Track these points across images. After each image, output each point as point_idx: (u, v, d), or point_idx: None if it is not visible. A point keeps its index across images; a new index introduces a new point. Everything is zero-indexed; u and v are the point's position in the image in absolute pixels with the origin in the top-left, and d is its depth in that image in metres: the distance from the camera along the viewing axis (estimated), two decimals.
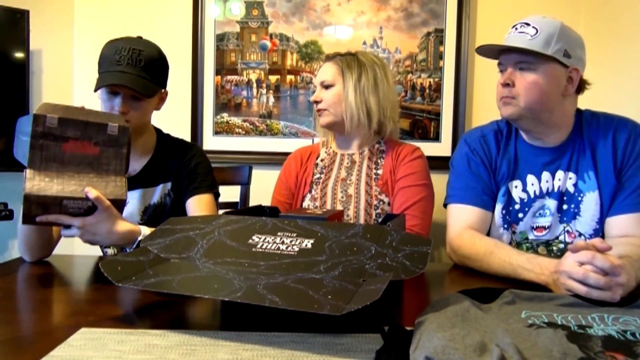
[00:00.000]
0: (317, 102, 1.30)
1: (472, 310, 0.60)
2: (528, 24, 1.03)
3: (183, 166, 1.23)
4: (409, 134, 1.89)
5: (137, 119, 1.13)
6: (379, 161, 1.29)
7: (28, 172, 0.86)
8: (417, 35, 1.87)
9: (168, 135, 1.29)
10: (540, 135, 1.11)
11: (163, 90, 1.21)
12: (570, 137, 1.11)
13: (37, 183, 0.86)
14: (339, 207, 1.25)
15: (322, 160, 1.35)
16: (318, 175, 1.32)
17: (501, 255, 0.95)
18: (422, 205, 1.21)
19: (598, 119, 1.11)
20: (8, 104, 1.74)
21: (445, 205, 1.19)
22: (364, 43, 1.88)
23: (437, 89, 1.87)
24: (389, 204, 1.24)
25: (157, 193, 1.21)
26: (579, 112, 1.14)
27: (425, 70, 1.88)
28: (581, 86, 1.09)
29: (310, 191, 1.31)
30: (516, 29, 1.05)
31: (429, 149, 1.87)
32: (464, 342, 0.49)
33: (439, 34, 1.86)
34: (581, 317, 0.61)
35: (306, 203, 1.31)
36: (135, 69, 1.08)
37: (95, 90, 1.09)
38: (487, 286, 0.71)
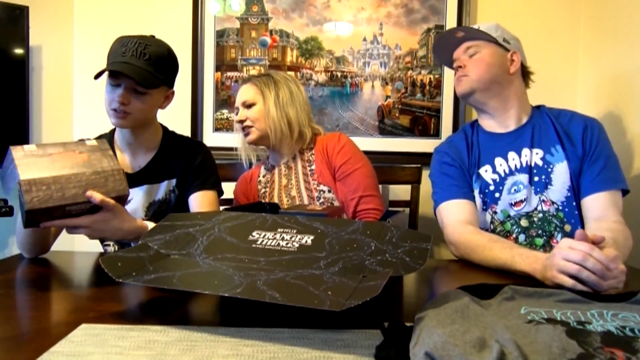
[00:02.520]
0: (242, 122, 1.37)
1: (472, 306, 0.60)
2: (471, 27, 1.25)
3: (188, 163, 1.22)
4: (409, 131, 1.89)
5: (138, 112, 1.12)
6: (310, 158, 1.37)
7: (23, 184, 0.81)
8: (418, 31, 1.87)
9: (174, 133, 1.29)
10: (497, 112, 1.22)
11: (169, 90, 1.20)
12: (530, 120, 1.22)
13: (36, 194, 0.82)
14: None
15: (264, 177, 1.45)
16: (263, 191, 1.42)
17: (502, 244, 0.99)
18: (371, 183, 1.32)
19: (554, 109, 1.23)
20: (8, 101, 1.73)
21: (434, 210, 1.25)
22: (364, 39, 1.88)
23: (437, 85, 1.87)
24: (329, 191, 1.32)
25: (162, 189, 1.21)
26: (537, 107, 1.26)
27: (425, 66, 1.87)
28: (525, 74, 1.24)
29: None
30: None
31: (429, 145, 1.87)
32: (463, 338, 0.49)
33: (440, 31, 1.85)
34: (580, 313, 0.61)
35: None
36: (138, 61, 1.07)
37: (96, 78, 1.07)
38: (486, 282, 0.71)
